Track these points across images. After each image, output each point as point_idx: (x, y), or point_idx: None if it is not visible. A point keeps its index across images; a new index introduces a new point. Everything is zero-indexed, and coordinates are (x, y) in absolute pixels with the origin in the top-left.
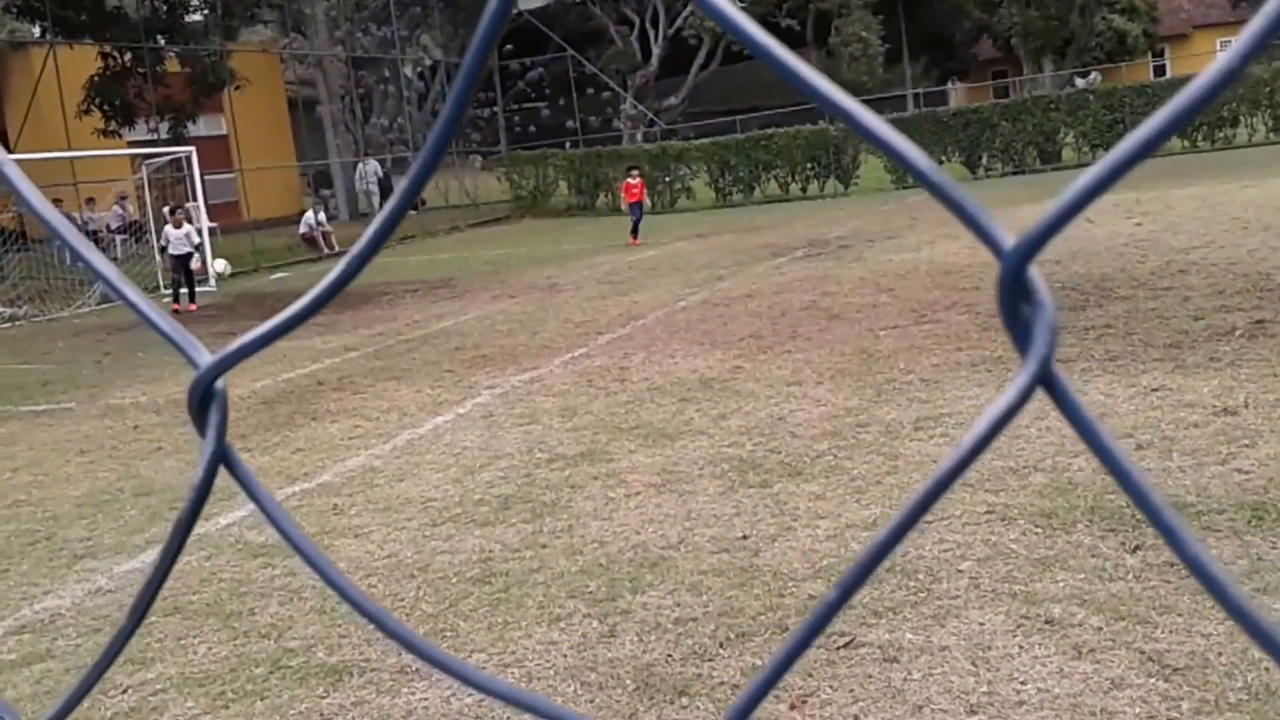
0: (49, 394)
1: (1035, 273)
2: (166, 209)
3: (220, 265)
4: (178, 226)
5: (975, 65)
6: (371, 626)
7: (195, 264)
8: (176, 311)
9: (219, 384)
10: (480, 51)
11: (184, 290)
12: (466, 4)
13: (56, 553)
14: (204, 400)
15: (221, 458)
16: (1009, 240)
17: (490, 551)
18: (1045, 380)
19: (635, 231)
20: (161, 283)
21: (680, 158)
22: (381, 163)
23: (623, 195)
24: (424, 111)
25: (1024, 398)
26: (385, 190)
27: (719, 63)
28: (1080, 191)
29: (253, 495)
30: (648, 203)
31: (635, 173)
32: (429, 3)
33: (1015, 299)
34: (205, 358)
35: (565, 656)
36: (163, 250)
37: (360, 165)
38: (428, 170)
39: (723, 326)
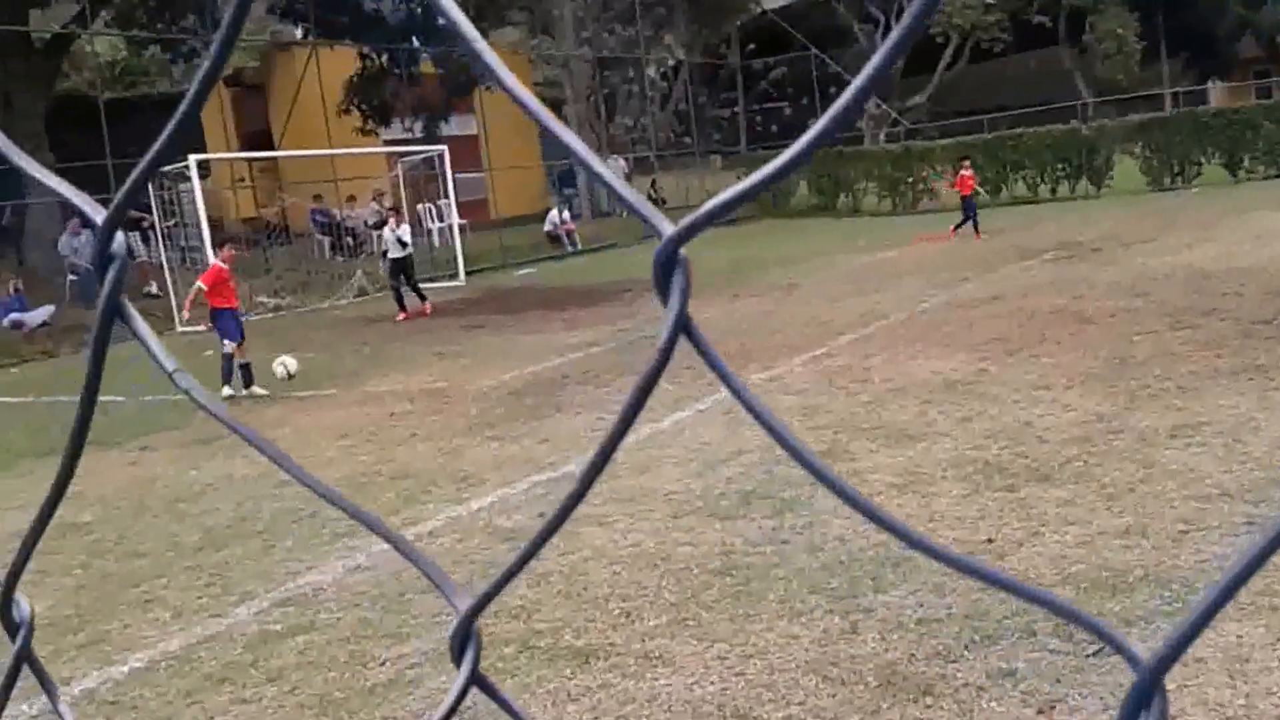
0: (311, 381)
1: (684, 252)
2: (442, 202)
3: (288, 366)
4: (399, 225)
5: (1237, 64)
6: (617, 612)
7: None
8: (405, 319)
9: (682, 252)
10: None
11: (404, 296)
12: (710, 4)
13: (319, 531)
14: (667, 267)
15: (684, 325)
16: (669, 227)
17: (731, 545)
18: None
19: (976, 227)
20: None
21: (924, 159)
22: (627, 161)
23: (958, 189)
24: (666, 111)
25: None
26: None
27: (966, 61)
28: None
29: (711, 363)
30: (976, 198)
31: (967, 163)
32: (673, 3)
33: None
34: (667, 228)
35: (806, 651)
36: (384, 255)
37: (606, 162)
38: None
39: (967, 329)
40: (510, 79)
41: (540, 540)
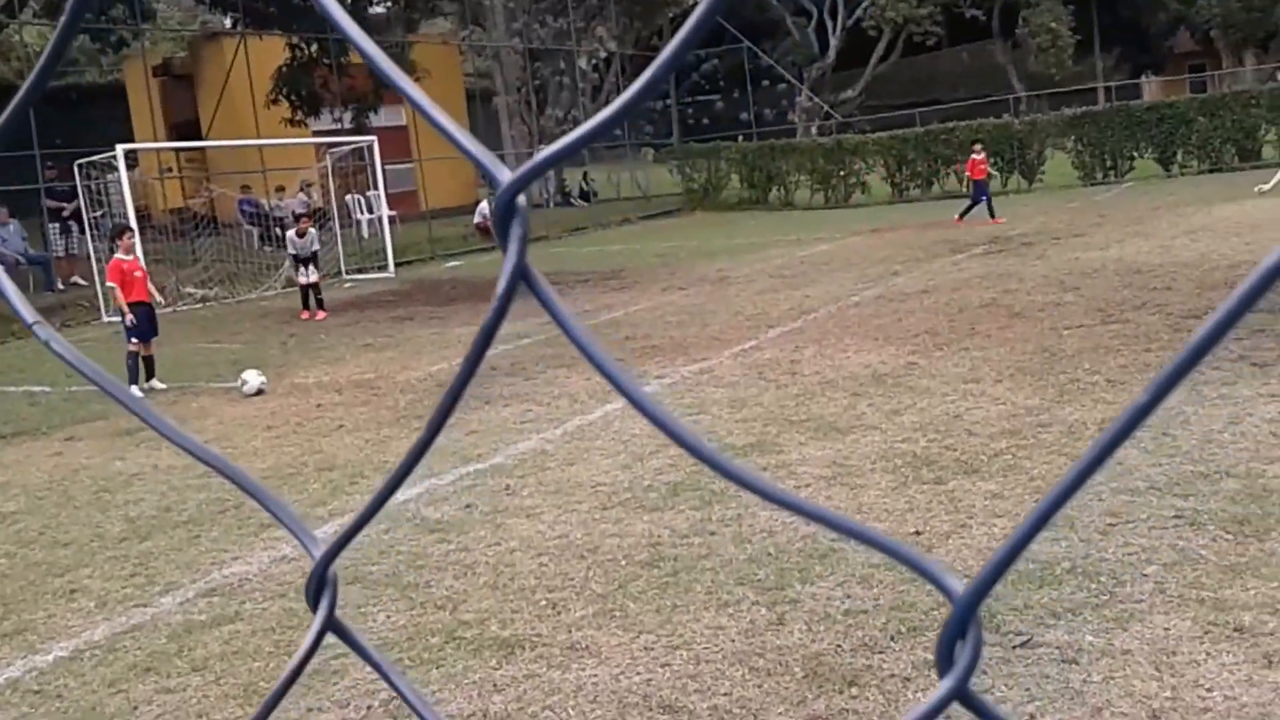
0: (238, 372)
1: (522, 200)
2: (370, 193)
3: (253, 379)
4: (301, 235)
5: (1171, 58)
6: (543, 603)
7: (312, 276)
8: (307, 319)
9: (520, 200)
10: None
11: (315, 297)
12: None
13: (244, 521)
14: (506, 216)
15: (523, 274)
16: (506, 174)
17: (659, 536)
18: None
19: (991, 211)
20: (345, 269)
21: (855, 152)
22: None
23: (968, 173)
24: (598, 103)
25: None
26: (558, 177)
27: (899, 54)
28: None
29: (551, 311)
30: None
31: (978, 147)
32: None
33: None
34: (505, 176)
35: (733, 641)
36: (294, 257)
37: (535, 153)
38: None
39: (897, 322)
40: (369, 46)
41: (392, 485)
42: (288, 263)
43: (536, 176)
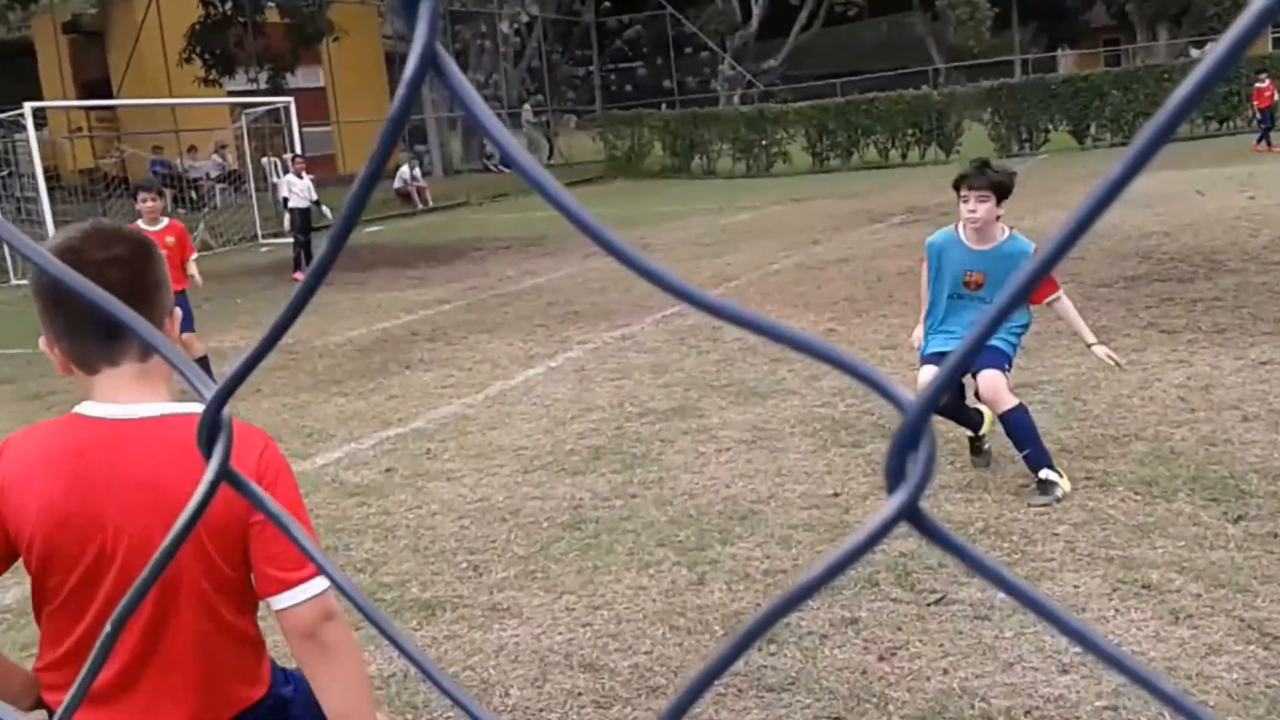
0: None
1: None
2: (288, 156)
3: None
4: (300, 176)
5: (1086, 32)
6: (464, 565)
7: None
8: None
9: None
10: None
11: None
12: None
13: None
14: None
15: (432, 59)
16: None
17: (581, 499)
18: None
19: (1266, 139)
20: (261, 232)
21: (777, 121)
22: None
23: (1254, 100)
24: (519, 68)
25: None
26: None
27: (821, 24)
28: None
29: (469, 106)
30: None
31: (1264, 76)
32: None
33: None
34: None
35: (654, 601)
36: (285, 202)
37: (457, 121)
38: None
39: (817, 289)
40: None
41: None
42: (201, 226)
43: None
